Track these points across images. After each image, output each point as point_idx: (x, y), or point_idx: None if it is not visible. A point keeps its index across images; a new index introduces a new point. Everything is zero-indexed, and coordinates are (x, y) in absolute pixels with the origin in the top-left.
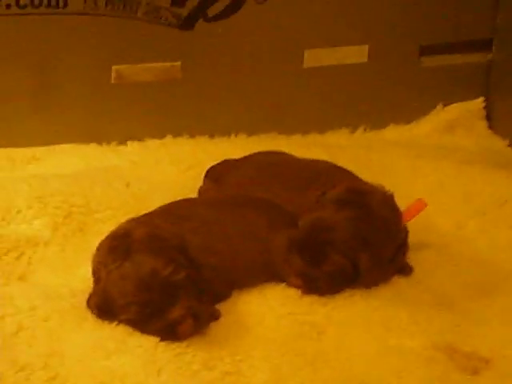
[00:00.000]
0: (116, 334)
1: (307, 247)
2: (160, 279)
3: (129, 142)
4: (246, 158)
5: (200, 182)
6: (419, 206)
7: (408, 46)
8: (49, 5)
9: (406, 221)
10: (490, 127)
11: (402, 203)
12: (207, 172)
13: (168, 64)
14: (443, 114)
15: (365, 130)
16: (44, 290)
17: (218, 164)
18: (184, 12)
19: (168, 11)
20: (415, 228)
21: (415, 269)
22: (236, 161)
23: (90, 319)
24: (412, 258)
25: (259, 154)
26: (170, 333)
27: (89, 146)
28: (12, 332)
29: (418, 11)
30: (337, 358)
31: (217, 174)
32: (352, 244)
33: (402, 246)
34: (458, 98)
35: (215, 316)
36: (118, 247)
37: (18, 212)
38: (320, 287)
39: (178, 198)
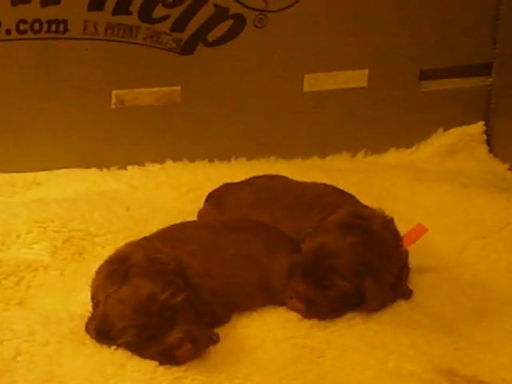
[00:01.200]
0: (115, 358)
1: (311, 272)
2: (158, 303)
3: (129, 167)
4: (245, 181)
5: (200, 206)
6: (419, 230)
7: (408, 71)
8: (49, 30)
9: (407, 245)
10: (491, 151)
11: (402, 227)
12: (208, 196)
13: (168, 89)
14: (444, 138)
15: (365, 154)
16: (43, 314)
17: (218, 188)
18: (184, 37)
19: (168, 36)
20: (416, 251)
21: (415, 292)
22: (236, 184)
23: (89, 343)
24: (412, 281)
25: (259, 177)
26: (168, 357)
27: (89, 170)
28: (11, 357)
29: (417, 36)
30: (336, 381)
31: (217, 198)
32: (357, 270)
33: (403, 270)
34: (458, 122)
35: (214, 340)
36: (116, 271)
37: (18, 236)
38: (321, 311)
39: (178, 222)
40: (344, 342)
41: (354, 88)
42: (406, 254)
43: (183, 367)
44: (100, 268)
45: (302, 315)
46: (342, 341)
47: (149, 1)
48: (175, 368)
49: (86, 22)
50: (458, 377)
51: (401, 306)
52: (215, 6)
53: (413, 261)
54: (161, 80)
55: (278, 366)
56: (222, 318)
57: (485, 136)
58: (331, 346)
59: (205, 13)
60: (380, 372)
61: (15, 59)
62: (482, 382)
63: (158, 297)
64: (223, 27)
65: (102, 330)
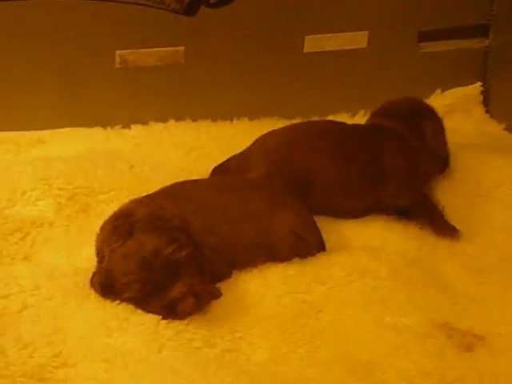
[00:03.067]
0: (118, 312)
1: None
2: (162, 258)
3: (132, 126)
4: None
5: (202, 165)
6: None
7: (407, 32)
8: None
9: None
10: (487, 112)
11: None
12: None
13: (171, 49)
14: (441, 99)
15: (364, 113)
16: (48, 269)
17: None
18: None
19: None
20: None
21: (412, 249)
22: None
23: (93, 298)
24: (411, 238)
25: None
26: (171, 311)
27: (93, 129)
28: (16, 310)
29: None
30: (334, 335)
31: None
32: None
33: None
34: (456, 83)
35: (216, 295)
36: (120, 227)
37: (23, 193)
38: None
39: (180, 180)
40: (342, 298)
41: (353, 49)
42: None
43: (185, 321)
44: (104, 224)
45: None
46: (340, 296)
47: None
48: (178, 322)
49: None
50: (454, 331)
51: (397, 262)
52: None
53: None
54: (164, 40)
55: (277, 320)
56: (223, 274)
57: (481, 97)
58: (330, 301)
59: None
60: (377, 326)
61: (19, 20)
62: (476, 335)
63: (162, 252)
64: None
65: (107, 284)
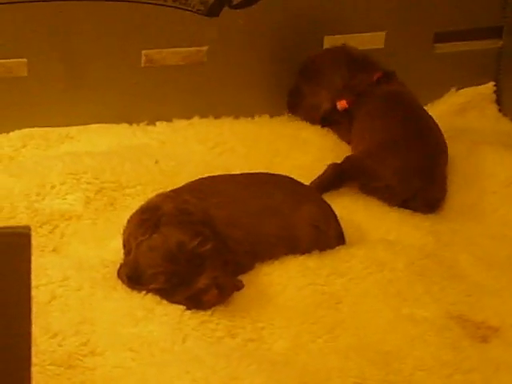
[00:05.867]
0: (144, 302)
1: None
2: (187, 251)
3: (158, 123)
4: None
5: (225, 159)
6: None
7: (423, 33)
8: None
9: None
10: (500, 110)
11: None
12: None
13: (195, 49)
14: (456, 98)
15: None
16: (76, 261)
17: None
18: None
19: None
20: None
21: (428, 242)
22: None
23: (120, 289)
24: (427, 232)
25: None
26: (195, 302)
27: (120, 125)
28: (46, 301)
29: (433, 0)
30: (353, 326)
31: None
32: None
33: None
34: (470, 83)
35: (238, 286)
36: (147, 220)
37: (52, 187)
38: None
39: (204, 175)
40: (361, 289)
41: (371, 49)
42: None
43: (209, 312)
44: (131, 217)
45: None
46: (358, 288)
47: None
48: (201, 312)
49: None
50: (469, 322)
51: (414, 254)
52: None
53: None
54: (188, 41)
55: (298, 311)
56: (246, 266)
57: (495, 96)
58: (349, 293)
59: None
60: (395, 317)
61: (49, 20)
62: (491, 327)
63: (187, 245)
64: None
65: (133, 276)
